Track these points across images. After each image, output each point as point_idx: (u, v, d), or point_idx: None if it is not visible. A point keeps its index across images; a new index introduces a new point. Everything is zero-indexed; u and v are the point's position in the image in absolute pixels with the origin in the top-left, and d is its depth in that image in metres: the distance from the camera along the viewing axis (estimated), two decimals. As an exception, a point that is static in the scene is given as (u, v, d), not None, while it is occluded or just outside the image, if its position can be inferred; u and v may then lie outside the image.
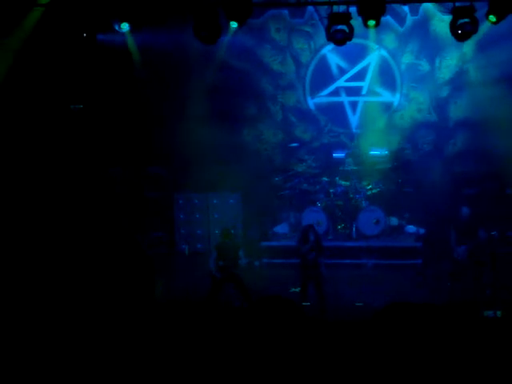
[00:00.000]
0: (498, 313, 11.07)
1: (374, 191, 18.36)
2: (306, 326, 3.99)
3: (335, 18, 14.33)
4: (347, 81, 19.26)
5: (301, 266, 14.12)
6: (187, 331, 4.71)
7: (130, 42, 17.55)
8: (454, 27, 14.15)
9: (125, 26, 15.01)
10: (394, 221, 18.51)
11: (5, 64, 15.39)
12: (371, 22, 14.06)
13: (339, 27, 14.29)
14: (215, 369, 4.22)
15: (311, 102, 19.45)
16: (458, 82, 18.59)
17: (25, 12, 15.09)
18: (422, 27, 18.59)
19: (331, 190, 18.29)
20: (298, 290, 14.03)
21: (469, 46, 17.99)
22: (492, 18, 13.79)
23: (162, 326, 4.67)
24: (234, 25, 14.35)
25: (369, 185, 18.40)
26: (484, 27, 15.03)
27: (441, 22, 17.90)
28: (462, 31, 14.10)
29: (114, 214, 17.54)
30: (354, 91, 19.27)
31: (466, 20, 13.92)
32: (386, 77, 19.00)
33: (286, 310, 3.98)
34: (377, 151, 18.67)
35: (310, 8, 18.74)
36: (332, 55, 19.12)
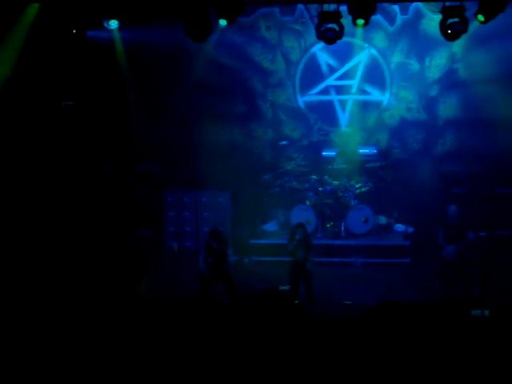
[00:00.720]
0: (486, 312, 11.10)
1: (362, 190, 18.41)
2: (300, 322, 4.01)
3: (325, 17, 14.34)
4: (337, 79, 19.26)
5: (291, 264, 14.20)
6: (177, 328, 4.72)
7: (117, 39, 17.48)
8: (443, 27, 14.18)
9: (113, 24, 14.97)
10: (383, 219, 18.55)
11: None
12: (360, 21, 14.06)
13: (329, 26, 14.30)
14: (205, 364, 4.23)
15: (301, 101, 19.45)
16: (447, 82, 18.63)
17: (22, 8, 15.06)
18: (412, 26, 18.61)
19: (320, 189, 18.32)
20: (287, 287, 14.07)
21: (458, 46, 18.03)
22: (480, 17, 13.83)
23: (151, 323, 4.68)
24: (223, 23, 14.32)
25: (358, 183, 18.44)
26: (474, 27, 15.05)
27: (431, 22, 17.92)
28: (451, 31, 14.13)
29: (103, 210, 17.53)
30: (343, 90, 19.28)
31: (456, 19, 13.95)
32: (376, 76, 19.02)
33: (282, 305, 3.99)
34: (366, 150, 18.70)
35: (301, 6, 18.73)
36: (322, 54, 19.13)
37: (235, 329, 4.09)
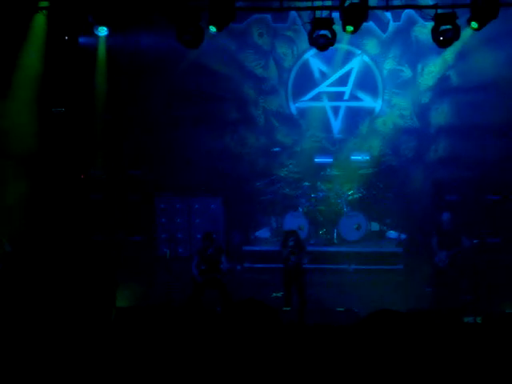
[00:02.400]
0: (478, 319, 11.10)
1: (355, 196, 18.40)
2: (280, 331, 3.98)
3: (318, 23, 14.32)
4: (329, 86, 19.26)
5: (284, 271, 14.18)
6: (167, 335, 4.69)
7: (104, 46, 17.45)
8: (435, 34, 14.18)
9: (103, 30, 14.92)
10: (376, 226, 18.56)
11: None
12: (349, 28, 14.05)
13: (322, 32, 14.29)
14: (192, 371, 4.20)
15: (293, 107, 19.44)
16: (439, 89, 18.64)
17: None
18: (405, 33, 18.63)
19: (313, 195, 18.31)
20: (279, 294, 14.05)
21: (451, 53, 18.07)
22: (474, 24, 13.83)
23: (142, 330, 4.65)
24: (212, 29, 14.28)
25: (350, 190, 18.44)
26: (466, 34, 15.07)
27: (423, 29, 17.95)
28: (443, 38, 14.13)
29: (87, 217, 17.49)
30: (336, 96, 19.28)
31: (448, 27, 13.95)
32: (368, 82, 19.03)
33: (261, 314, 3.97)
34: (358, 156, 18.70)
35: (293, 13, 18.72)
36: (314, 60, 19.14)
37: (218, 339, 4.07)
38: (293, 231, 14.45)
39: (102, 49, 17.48)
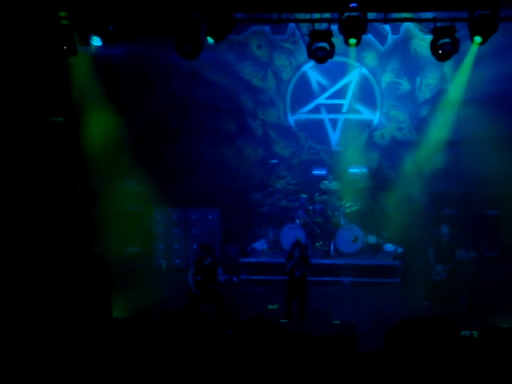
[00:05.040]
0: (475, 333, 11.07)
1: (352, 209, 18.38)
2: (288, 348, 3.96)
3: (316, 36, 14.33)
4: (328, 98, 19.28)
5: (287, 283, 14.11)
6: (164, 346, 4.67)
7: (99, 56, 17.46)
8: (434, 47, 14.19)
9: (96, 40, 14.91)
10: (373, 239, 18.53)
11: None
12: (352, 41, 14.07)
13: (320, 44, 14.30)
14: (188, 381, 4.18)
15: (291, 119, 19.46)
16: (438, 102, 18.65)
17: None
18: (403, 46, 18.67)
19: (310, 207, 18.30)
20: (275, 306, 14.00)
21: (449, 66, 18.10)
22: (478, 38, 13.81)
23: (139, 341, 4.63)
24: (210, 40, 14.27)
25: (348, 202, 18.42)
26: (465, 47, 15.07)
27: (422, 42, 18.02)
28: (442, 51, 14.14)
29: (83, 228, 17.46)
30: (334, 109, 19.30)
31: (447, 40, 13.97)
32: (367, 95, 19.06)
33: (270, 333, 3.94)
34: (356, 169, 18.69)
35: (292, 25, 18.78)
36: (313, 72, 19.16)
37: (224, 356, 4.05)
38: (298, 242, 14.38)
39: (99, 59, 17.47)
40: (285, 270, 14.19)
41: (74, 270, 15.25)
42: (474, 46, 15.19)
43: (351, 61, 18.67)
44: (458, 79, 17.90)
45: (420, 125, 18.85)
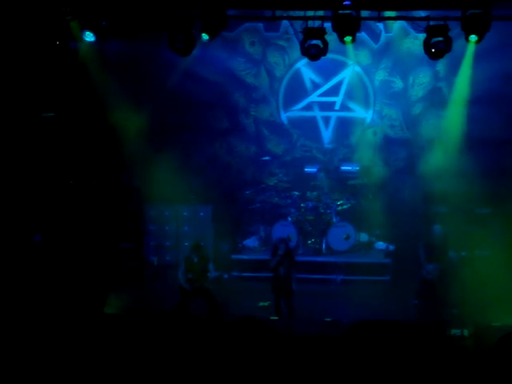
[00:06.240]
0: (465, 331, 11.09)
1: (344, 207, 18.39)
2: (277, 347, 3.94)
3: (310, 33, 14.34)
4: (320, 96, 19.27)
5: (272, 280, 14.11)
6: (156, 342, 4.67)
7: (92, 51, 17.40)
8: (427, 45, 14.22)
9: (89, 36, 14.87)
10: (364, 237, 18.54)
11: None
12: (348, 38, 14.08)
13: (314, 42, 14.31)
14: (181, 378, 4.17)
15: (284, 116, 19.45)
16: (430, 100, 18.67)
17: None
18: (396, 45, 18.65)
19: (302, 205, 18.30)
20: (266, 304, 14.01)
21: (442, 65, 18.11)
22: (473, 37, 13.83)
23: (127, 337, 4.62)
24: (205, 37, 14.26)
25: (340, 200, 18.43)
26: (457, 46, 15.08)
27: (415, 40, 17.99)
28: (435, 49, 14.17)
29: (76, 224, 17.42)
30: (327, 106, 19.29)
31: (440, 39, 13.99)
32: (360, 93, 19.04)
33: (258, 333, 3.93)
34: (348, 167, 18.69)
35: (285, 22, 18.75)
36: (306, 70, 19.14)
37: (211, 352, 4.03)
38: (283, 239, 14.36)
39: (92, 54, 17.41)
40: (269, 266, 14.17)
41: (68, 265, 15.25)
42: (470, 45, 15.24)
43: (344, 59, 18.66)
44: (458, 79, 17.88)
45: (413, 123, 18.86)
